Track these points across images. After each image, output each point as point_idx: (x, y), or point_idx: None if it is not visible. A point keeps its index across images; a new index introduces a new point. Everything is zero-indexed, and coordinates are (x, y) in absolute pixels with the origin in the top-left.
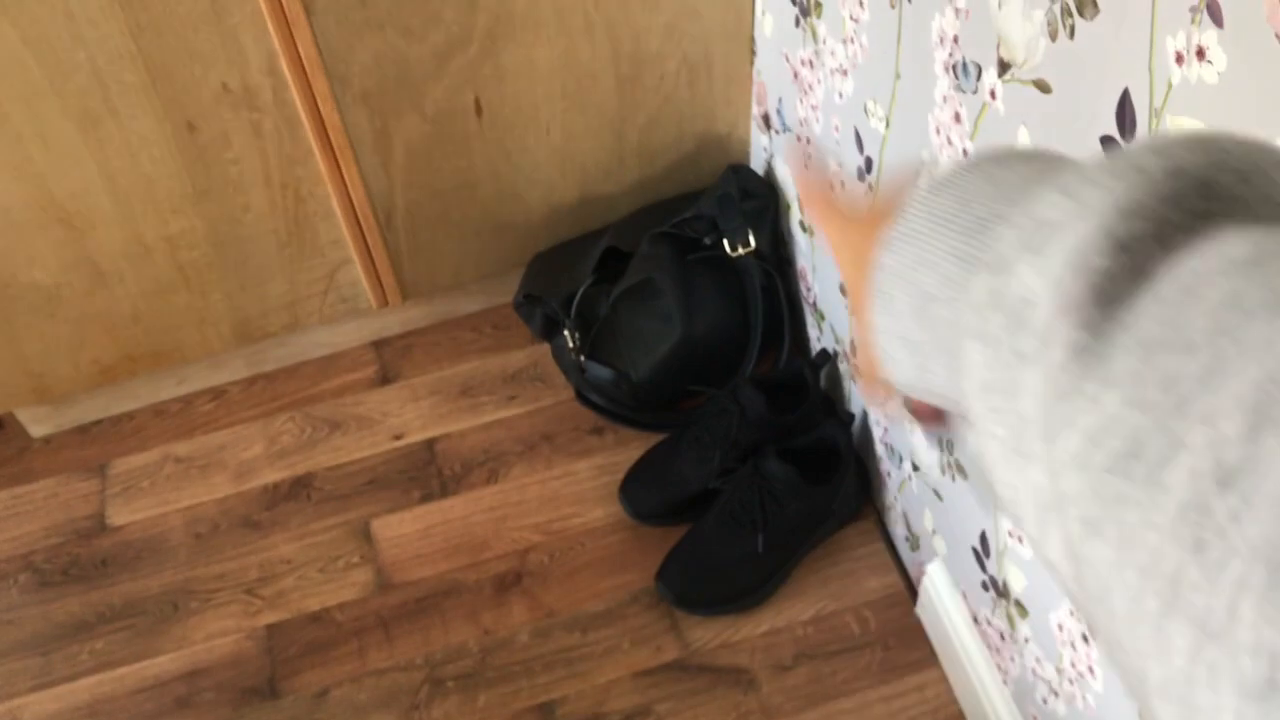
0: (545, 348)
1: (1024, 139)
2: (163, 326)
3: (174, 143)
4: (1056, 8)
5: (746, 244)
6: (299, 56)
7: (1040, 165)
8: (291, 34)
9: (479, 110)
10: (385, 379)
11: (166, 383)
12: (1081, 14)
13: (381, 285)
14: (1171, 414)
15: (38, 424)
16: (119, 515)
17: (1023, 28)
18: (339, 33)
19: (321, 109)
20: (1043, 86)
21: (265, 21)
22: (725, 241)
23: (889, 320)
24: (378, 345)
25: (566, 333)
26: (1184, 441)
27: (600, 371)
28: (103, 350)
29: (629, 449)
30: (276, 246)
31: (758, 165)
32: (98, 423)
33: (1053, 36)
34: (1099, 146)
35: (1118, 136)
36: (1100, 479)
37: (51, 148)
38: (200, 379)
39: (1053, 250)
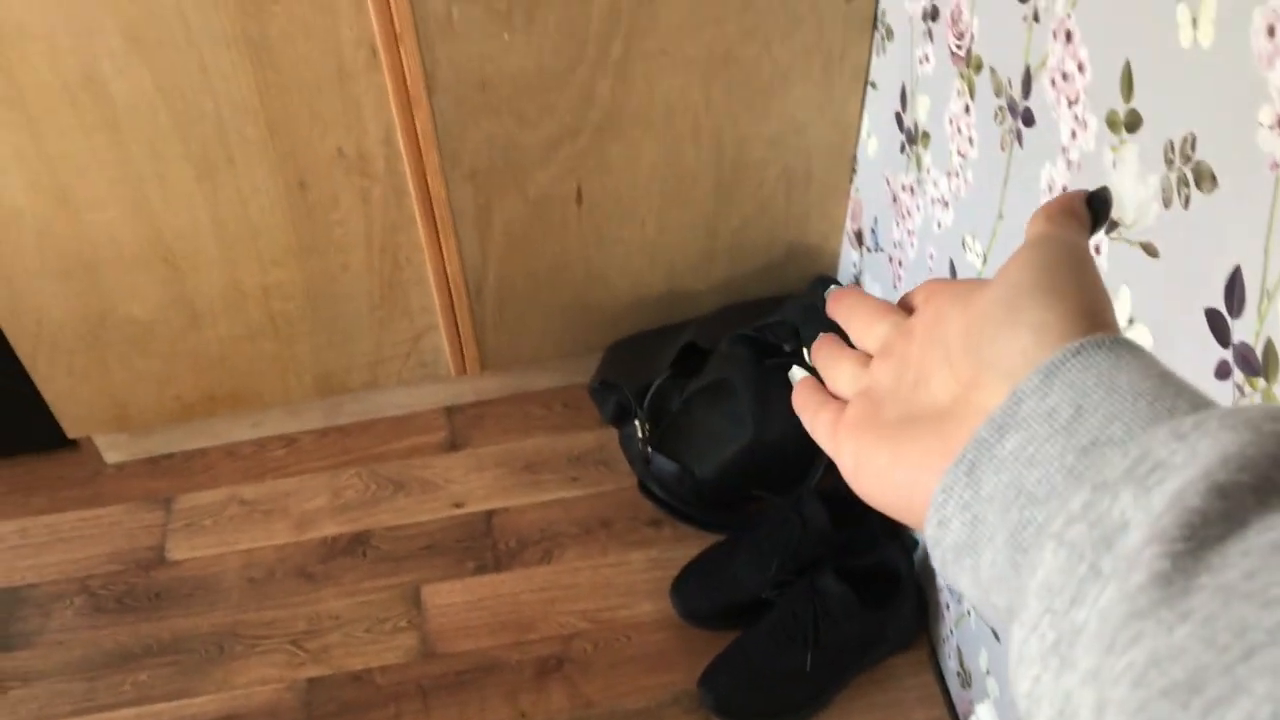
0: (613, 433)
1: (1125, 300)
2: (247, 370)
3: (284, 197)
4: (1173, 176)
5: None
6: (415, 131)
7: (1155, 382)
8: (411, 109)
9: (579, 198)
10: (454, 445)
11: (242, 424)
12: (1199, 186)
13: (463, 354)
14: (1239, 659)
15: (113, 450)
16: (178, 550)
17: (1135, 190)
18: (456, 113)
19: (430, 182)
20: (1150, 250)
21: (388, 95)
22: (805, 350)
23: (966, 491)
24: (450, 411)
25: (637, 422)
26: (1245, 687)
27: (665, 465)
28: (187, 387)
29: (685, 546)
30: (368, 307)
31: (845, 279)
32: (170, 456)
33: (1166, 203)
34: (1202, 319)
35: (1224, 312)
36: (1154, 700)
37: (168, 189)
38: (275, 425)
39: (1156, 488)
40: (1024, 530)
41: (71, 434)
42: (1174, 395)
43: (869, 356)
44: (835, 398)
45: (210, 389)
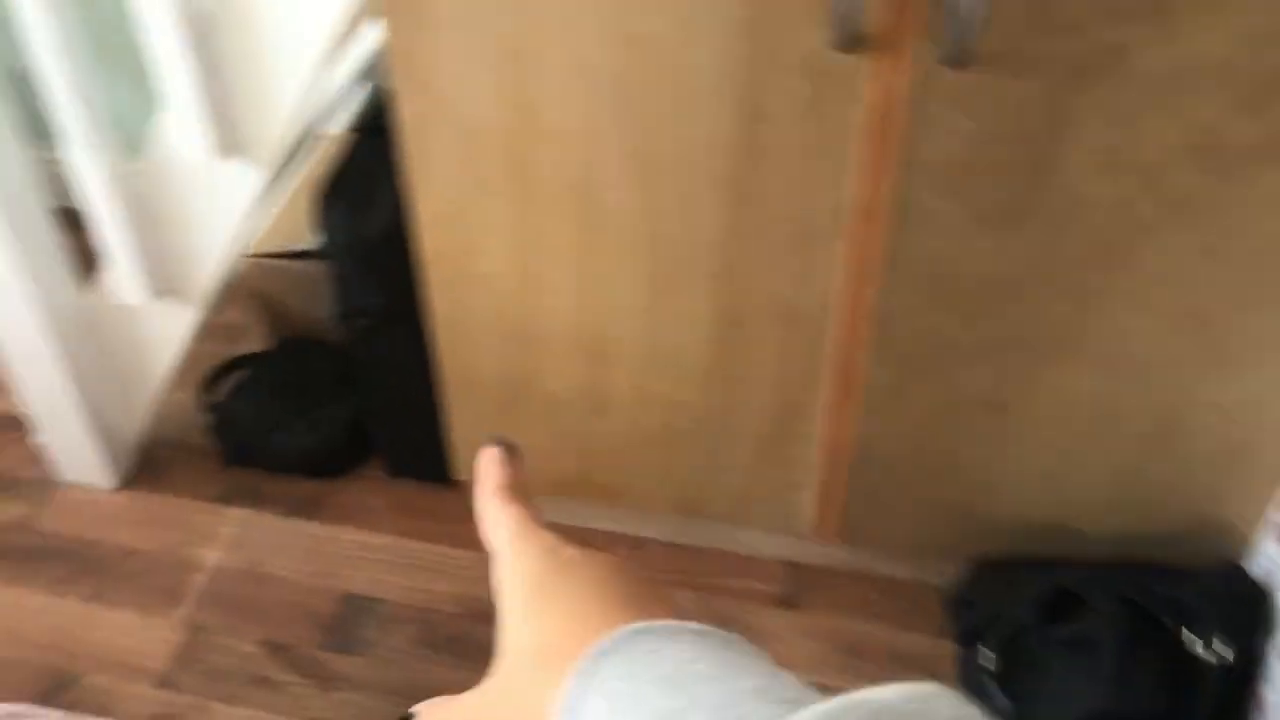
0: (949, 646)
1: None
2: (627, 469)
3: (716, 328)
4: None
5: (1209, 647)
6: (858, 303)
7: None
8: (861, 282)
9: (996, 408)
10: (785, 603)
11: (601, 514)
12: None
13: (825, 518)
14: None
15: None
16: None
17: None
18: (904, 297)
19: (854, 352)
20: None
21: (843, 264)
22: (1188, 631)
23: None
24: (793, 567)
25: (985, 649)
26: None
27: (1003, 703)
28: (569, 466)
29: None
30: (753, 447)
31: (1257, 573)
32: None
33: None
34: None
35: None
36: None
37: (620, 293)
38: (630, 523)
39: None
40: None
41: (458, 476)
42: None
43: None
44: None
45: (588, 475)
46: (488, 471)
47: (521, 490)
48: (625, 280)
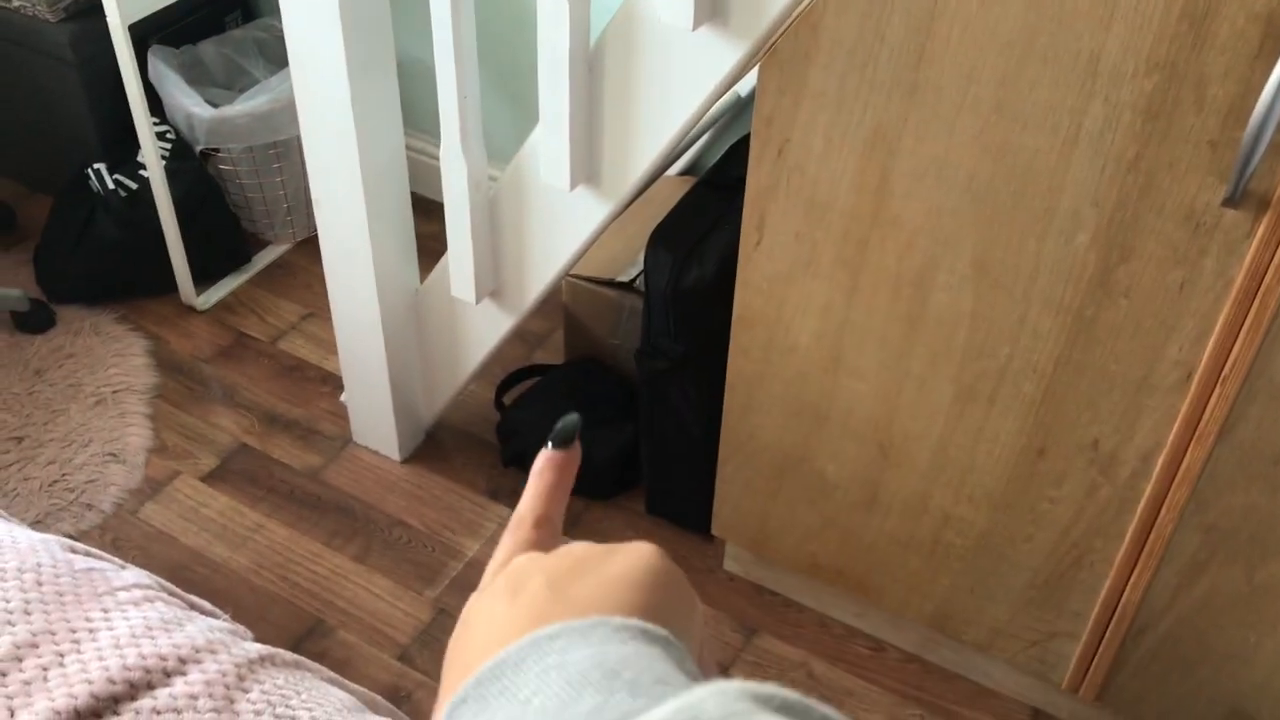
0: None
1: None
2: (884, 570)
3: (1016, 454)
4: None
5: None
6: (1180, 463)
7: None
8: (1190, 444)
9: None
10: None
11: (847, 606)
12: None
13: (1086, 675)
14: None
15: (734, 561)
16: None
17: None
18: (1231, 469)
19: (1162, 513)
20: None
21: (1175, 421)
22: None
23: None
24: (1035, 714)
25: None
26: None
27: None
28: (827, 551)
29: None
30: (1027, 583)
31: None
32: (774, 595)
33: None
34: None
35: None
36: None
37: (922, 394)
38: (875, 624)
39: None
40: None
41: (714, 531)
42: None
43: None
44: None
45: (844, 565)
46: (529, 489)
47: (544, 518)
48: (933, 383)
